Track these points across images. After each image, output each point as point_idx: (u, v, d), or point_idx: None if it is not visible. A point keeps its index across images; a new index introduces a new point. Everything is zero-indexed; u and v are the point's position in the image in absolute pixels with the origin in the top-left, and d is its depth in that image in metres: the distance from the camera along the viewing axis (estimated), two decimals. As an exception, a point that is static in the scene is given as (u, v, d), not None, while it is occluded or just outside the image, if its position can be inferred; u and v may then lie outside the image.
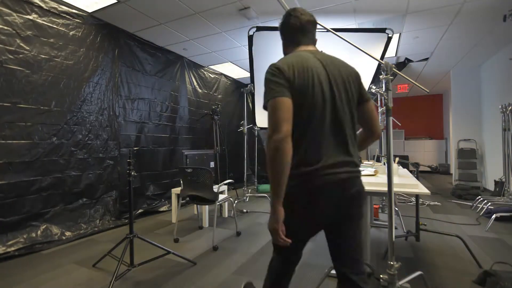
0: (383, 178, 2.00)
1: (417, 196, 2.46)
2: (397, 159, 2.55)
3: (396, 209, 3.38)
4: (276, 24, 3.53)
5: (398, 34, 3.89)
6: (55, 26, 2.80)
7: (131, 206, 2.06)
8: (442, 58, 5.04)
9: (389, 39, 3.51)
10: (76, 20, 3.01)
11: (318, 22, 1.49)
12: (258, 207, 4.21)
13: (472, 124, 5.80)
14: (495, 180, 4.58)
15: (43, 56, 2.70)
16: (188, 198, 2.91)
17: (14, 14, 2.50)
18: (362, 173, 2.30)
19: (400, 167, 2.68)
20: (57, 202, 2.80)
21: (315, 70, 1.01)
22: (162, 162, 4.15)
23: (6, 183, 2.41)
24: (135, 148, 3.74)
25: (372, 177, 2.16)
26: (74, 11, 2.99)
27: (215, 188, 3.55)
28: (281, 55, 1.18)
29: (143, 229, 3.22)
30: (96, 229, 3.03)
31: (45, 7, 2.72)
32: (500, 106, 3.82)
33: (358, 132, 1.15)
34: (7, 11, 2.44)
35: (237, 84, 6.24)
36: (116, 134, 3.45)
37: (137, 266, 2.09)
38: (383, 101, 1.45)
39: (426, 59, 5.03)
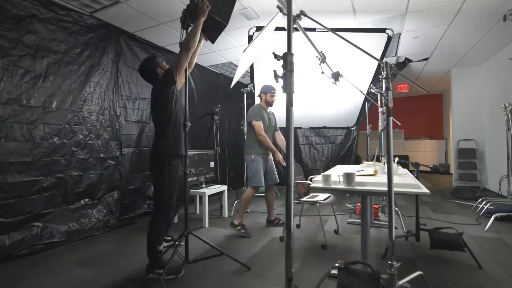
0: (383, 178, 2.00)
1: (417, 196, 2.46)
2: (396, 159, 2.55)
3: (396, 209, 3.39)
4: (276, 24, 3.53)
5: (398, 34, 3.89)
6: (55, 27, 2.81)
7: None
8: (442, 58, 5.05)
9: (389, 39, 3.51)
10: (77, 20, 3.01)
11: (319, 22, 1.49)
12: (258, 207, 4.21)
13: (472, 124, 5.79)
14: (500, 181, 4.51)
15: (44, 56, 2.70)
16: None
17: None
18: (362, 172, 2.30)
19: (400, 167, 2.68)
20: (58, 202, 2.80)
21: None
22: (163, 162, 4.15)
23: (7, 183, 2.41)
24: (136, 148, 3.74)
25: (372, 177, 2.16)
26: (74, 11, 2.99)
27: (215, 188, 3.56)
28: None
29: (142, 229, 3.22)
30: (98, 229, 3.03)
31: (46, 8, 2.73)
32: (503, 106, 3.80)
33: None
34: (7, 11, 2.45)
35: (237, 84, 6.23)
36: (117, 134, 3.45)
37: (191, 263, 2.07)
38: (383, 101, 1.45)
39: (426, 59, 5.03)
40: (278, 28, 3.42)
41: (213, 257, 2.20)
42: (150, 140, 3.94)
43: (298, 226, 3.24)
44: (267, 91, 3.20)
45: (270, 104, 3.23)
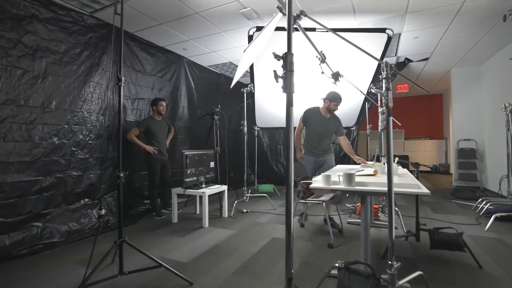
0: (383, 178, 2.00)
1: (417, 196, 2.46)
2: (396, 159, 2.55)
3: (396, 209, 3.39)
4: (276, 24, 3.53)
5: (398, 34, 3.89)
6: (55, 27, 2.80)
7: (120, 209, 2.04)
8: (442, 58, 5.04)
9: (389, 39, 3.51)
10: (77, 20, 3.01)
11: (319, 22, 1.49)
12: (258, 207, 4.21)
13: (472, 124, 5.79)
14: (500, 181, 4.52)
15: (43, 56, 2.70)
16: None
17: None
18: (362, 172, 2.30)
19: (400, 167, 2.68)
20: (58, 202, 2.80)
21: None
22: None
23: (7, 183, 2.41)
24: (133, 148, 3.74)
25: (372, 177, 2.16)
26: (74, 11, 2.99)
27: (215, 188, 3.56)
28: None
29: (143, 229, 3.22)
30: (98, 229, 3.03)
31: (45, 8, 2.73)
32: (503, 106, 3.80)
33: None
34: (7, 11, 2.45)
35: (237, 84, 6.24)
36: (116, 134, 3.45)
37: (127, 274, 1.96)
38: (383, 101, 1.45)
39: (426, 59, 5.03)
40: (278, 28, 3.42)
41: (149, 269, 2.00)
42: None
43: (302, 225, 3.24)
44: (332, 99, 3.18)
45: (330, 111, 3.25)
